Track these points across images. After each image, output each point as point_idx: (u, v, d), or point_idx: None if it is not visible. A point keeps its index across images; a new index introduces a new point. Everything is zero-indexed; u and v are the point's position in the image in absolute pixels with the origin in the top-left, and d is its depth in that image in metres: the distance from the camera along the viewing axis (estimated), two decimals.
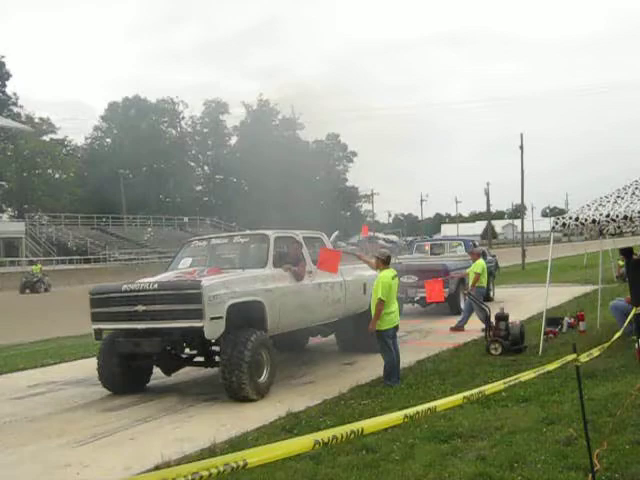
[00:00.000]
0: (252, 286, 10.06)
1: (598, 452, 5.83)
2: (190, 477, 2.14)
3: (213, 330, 9.31)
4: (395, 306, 10.17)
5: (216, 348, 10.03)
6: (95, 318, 10.35)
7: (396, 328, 10.29)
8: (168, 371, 10.83)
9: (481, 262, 15.44)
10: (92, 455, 7.40)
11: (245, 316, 9.74)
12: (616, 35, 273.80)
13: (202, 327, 9.17)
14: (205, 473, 2.18)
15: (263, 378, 9.76)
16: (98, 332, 10.45)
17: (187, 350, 10.51)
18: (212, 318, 9.21)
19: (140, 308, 9.62)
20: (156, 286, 9.70)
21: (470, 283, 15.41)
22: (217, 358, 10.01)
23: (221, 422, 8.41)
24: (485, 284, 15.82)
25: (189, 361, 10.72)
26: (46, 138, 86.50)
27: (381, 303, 9.87)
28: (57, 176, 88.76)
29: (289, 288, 10.75)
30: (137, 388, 10.60)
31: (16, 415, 9.60)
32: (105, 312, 10.21)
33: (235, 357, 9.30)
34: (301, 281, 11.03)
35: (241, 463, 2.32)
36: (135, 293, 9.77)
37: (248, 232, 12.63)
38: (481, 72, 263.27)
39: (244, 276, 10.27)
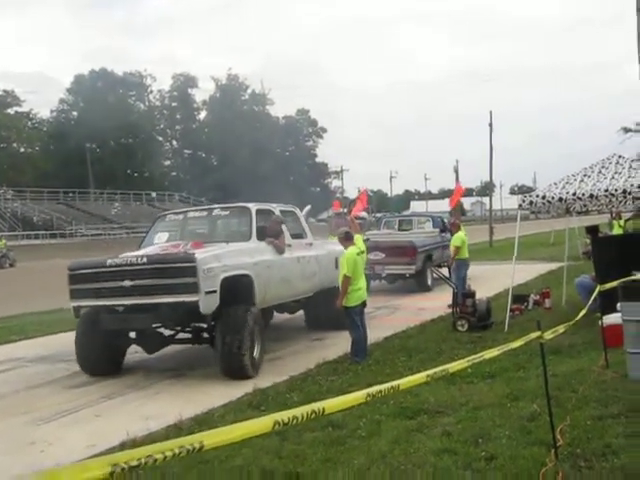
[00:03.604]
0: (241, 259, 9.86)
1: (561, 427, 5.90)
2: (144, 460, 2.08)
3: (208, 304, 9.02)
4: (362, 282, 10.16)
5: (202, 324, 9.82)
6: (75, 295, 9.77)
7: (364, 304, 10.30)
8: (151, 350, 10.47)
9: (460, 234, 15.26)
10: (57, 433, 7.36)
11: (234, 290, 9.48)
12: (586, 16, 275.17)
13: (197, 301, 8.88)
14: (160, 456, 2.12)
15: (256, 354, 9.57)
16: (78, 310, 9.90)
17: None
18: (207, 292, 8.94)
19: (127, 283, 9.15)
20: (145, 260, 9.25)
21: (451, 256, 15.37)
22: (205, 335, 9.87)
23: (187, 398, 8.37)
24: (466, 256, 15.46)
25: (173, 339, 10.41)
26: (10, 111, 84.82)
27: (347, 279, 9.85)
28: (22, 150, 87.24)
29: (273, 261, 10.62)
30: (115, 369, 10.17)
31: None
32: (87, 288, 9.64)
33: (235, 336, 9.09)
34: (283, 254, 10.95)
35: (197, 446, 2.26)
36: (121, 267, 9.28)
37: (227, 205, 12.29)
38: (450, 50, 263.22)
39: (233, 249, 10.04)
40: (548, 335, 5.65)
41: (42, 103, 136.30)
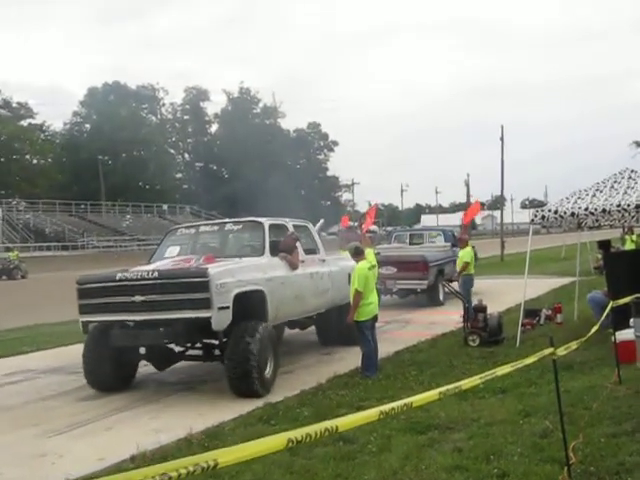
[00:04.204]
0: (254, 275, 9.66)
1: (574, 445, 5.84)
2: (158, 478, 2.07)
3: (221, 321, 8.83)
4: (374, 297, 10.13)
5: (213, 341, 9.68)
6: (84, 310, 9.55)
7: (375, 319, 10.28)
8: (161, 366, 10.37)
9: (469, 250, 15.27)
10: (67, 445, 7.34)
11: (246, 306, 9.26)
12: (600, 28, 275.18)
13: (210, 317, 8.68)
14: (174, 474, 2.11)
15: (268, 372, 9.34)
16: (86, 325, 9.69)
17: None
18: (220, 308, 8.73)
19: (138, 298, 8.92)
20: (156, 274, 9.01)
21: (458, 270, 15.36)
22: (216, 352, 9.71)
23: (198, 412, 8.35)
24: (473, 272, 15.52)
25: (184, 355, 10.27)
26: (24, 123, 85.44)
27: (358, 294, 9.82)
28: (35, 162, 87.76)
29: (287, 277, 10.44)
30: (124, 385, 9.99)
31: None
32: (96, 303, 9.40)
33: (243, 353, 8.87)
34: (296, 270, 10.80)
35: (212, 463, 2.25)
36: (132, 282, 9.06)
37: (240, 219, 12.04)
38: (462, 63, 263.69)
39: (246, 264, 9.85)
40: (561, 351, 5.62)
41: (55, 115, 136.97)
